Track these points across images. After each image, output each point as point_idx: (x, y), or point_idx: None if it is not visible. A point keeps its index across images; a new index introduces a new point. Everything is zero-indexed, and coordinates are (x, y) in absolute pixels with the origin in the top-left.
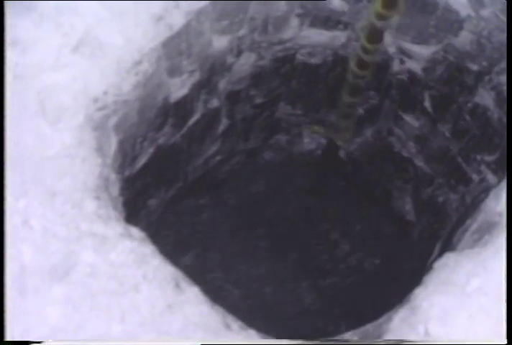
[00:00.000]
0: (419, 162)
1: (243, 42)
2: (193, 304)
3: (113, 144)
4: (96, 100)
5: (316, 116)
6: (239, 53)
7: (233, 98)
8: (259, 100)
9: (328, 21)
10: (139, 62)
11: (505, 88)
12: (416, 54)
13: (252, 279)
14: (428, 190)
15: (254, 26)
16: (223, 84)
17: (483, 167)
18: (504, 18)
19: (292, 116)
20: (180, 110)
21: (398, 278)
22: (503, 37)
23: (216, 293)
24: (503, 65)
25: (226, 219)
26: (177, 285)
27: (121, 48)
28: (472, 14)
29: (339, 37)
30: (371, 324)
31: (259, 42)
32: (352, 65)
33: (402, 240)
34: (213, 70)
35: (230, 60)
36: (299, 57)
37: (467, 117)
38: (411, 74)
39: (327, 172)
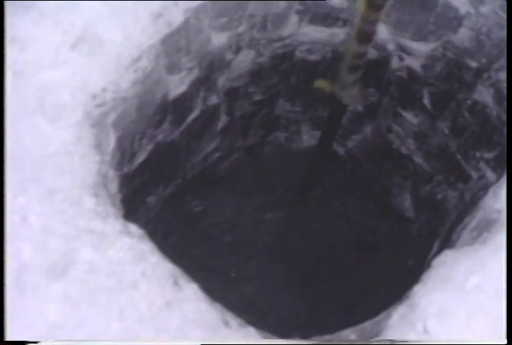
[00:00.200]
0: (418, 159)
1: (242, 39)
2: (192, 301)
3: (111, 141)
4: (94, 97)
5: (314, 112)
6: (238, 50)
7: (232, 95)
8: (258, 97)
9: (328, 18)
10: (138, 59)
11: (504, 85)
12: (415, 51)
13: (251, 277)
14: (427, 187)
15: (253, 23)
16: (222, 81)
17: (482, 164)
18: (503, 15)
19: (291, 113)
20: (178, 107)
21: (396, 275)
22: (502, 33)
23: (213, 291)
24: (502, 61)
25: (225, 216)
26: (175, 282)
27: (120, 45)
28: (471, 10)
29: (338, 33)
30: (370, 321)
31: (258, 38)
32: (362, 7)
33: (401, 237)
34: (212, 67)
35: (229, 56)
36: (298, 54)
37: (466, 114)
38: (410, 71)
39: (326, 168)
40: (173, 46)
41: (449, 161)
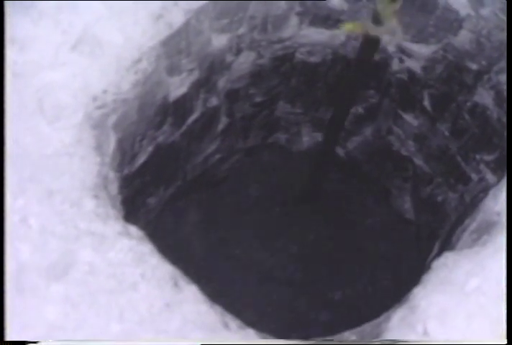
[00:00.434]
0: (418, 161)
1: (242, 41)
2: (192, 303)
3: (112, 142)
4: (95, 98)
5: (315, 114)
6: (238, 52)
7: (232, 96)
8: (258, 99)
9: (328, 19)
10: (138, 61)
11: (504, 87)
12: (415, 53)
13: (251, 277)
14: (428, 189)
15: (253, 25)
16: (222, 83)
17: (482, 167)
18: (503, 17)
19: (291, 115)
20: (179, 108)
21: (396, 277)
22: (503, 36)
23: (214, 292)
24: (503, 64)
25: (225, 217)
26: (175, 284)
27: (120, 46)
28: (472, 13)
29: (339, 35)
30: (369, 323)
31: (258, 40)
32: None
33: (401, 239)
34: (213, 68)
35: (229, 58)
36: (298, 55)
37: (466, 116)
38: (411, 73)
39: (326, 170)
40: (174, 47)
41: (449, 163)
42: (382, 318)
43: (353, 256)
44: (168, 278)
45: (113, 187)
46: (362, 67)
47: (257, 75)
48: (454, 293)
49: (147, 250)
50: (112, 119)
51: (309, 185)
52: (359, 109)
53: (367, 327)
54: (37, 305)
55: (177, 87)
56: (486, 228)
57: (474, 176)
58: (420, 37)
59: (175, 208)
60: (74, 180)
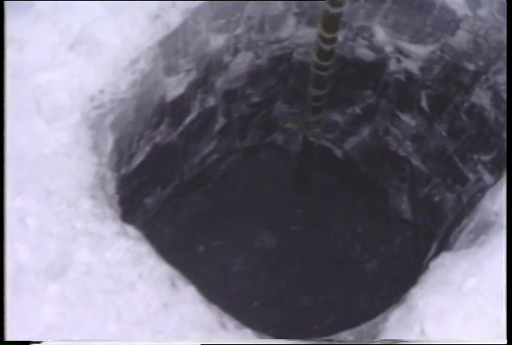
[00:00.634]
0: (416, 161)
1: (240, 41)
2: (189, 303)
3: (109, 142)
4: (92, 98)
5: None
6: (235, 52)
7: (229, 96)
8: (255, 99)
9: None
10: (135, 61)
11: (501, 87)
12: (412, 54)
13: (248, 277)
14: (425, 190)
15: (251, 25)
16: (219, 83)
17: (480, 167)
18: (501, 17)
19: (289, 115)
20: (176, 109)
21: (393, 277)
22: (500, 36)
23: (210, 292)
24: (500, 64)
25: (222, 217)
26: (173, 284)
27: (117, 47)
28: (469, 13)
29: (336, 36)
30: (367, 323)
31: (256, 40)
32: (313, 56)
33: (398, 239)
34: (210, 68)
35: (227, 58)
36: (296, 56)
37: (464, 117)
38: (408, 73)
39: (324, 171)
40: (171, 48)
41: (446, 163)
42: (379, 318)
43: (350, 256)
44: (166, 278)
45: (111, 187)
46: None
47: (254, 76)
48: (451, 293)
49: (144, 250)
50: (109, 119)
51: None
52: (357, 109)
53: (364, 327)
54: (35, 305)
55: (175, 87)
56: (483, 229)
57: (471, 176)
58: (417, 38)
59: (172, 207)
60: (71, 180)
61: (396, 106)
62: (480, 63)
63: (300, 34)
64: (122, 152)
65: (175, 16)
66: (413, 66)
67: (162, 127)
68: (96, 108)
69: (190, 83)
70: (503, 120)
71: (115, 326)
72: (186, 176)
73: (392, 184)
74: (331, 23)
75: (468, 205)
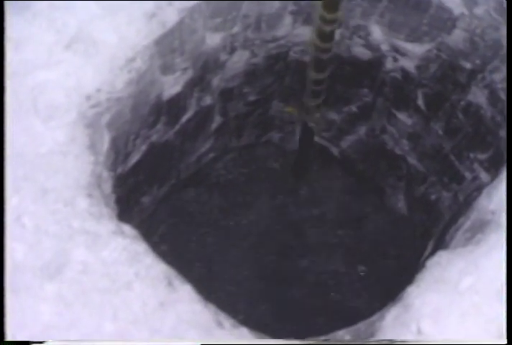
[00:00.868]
0: (412, 160)
1: (236, 40)
2: (186, 302)
3: (106, 141)
4: (88, 97)
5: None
6: (232, 50)
7: (226, 95)
8: (252, 98)
9: None
10: (132, 60)
11: (498, 86)
12: (409, 52)
13: (245, 276)
14: (421, 188)
15: (247, 24)
16: (216, 81)
17: (476, 165)
18: (497, 16)
19: (285, 114)
20: (173, 107)
21: (390, 276)
22: (496, 35)
23: (207, 291)
24: (496, 63)
25: (219, 216)
26: (169, 283)
27: (114, 45)
28: (466, 12)
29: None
30: (363, 322)
31: (252, 39)
32: (314, 38)
33: (395, 237)
34: (207, 67)
35: (223, 57)
36: (292, 54)
37: (460, 115)
38: (404, 72)
39: (320, 169)
40: (167, 46)
41: (442, 162)
42: (376, 317)
43: (347, 254)
44: (162, 277)
45: (107, 186)
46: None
47: (250, 74)
48: (447, 292)
49: (140, 249)
50: (106, 118)
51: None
52: (353, 108)
53: (361, 326)
54: (31, 305)
55: (171, 86)
56: (480, 227)
57: (467, 175)
58: (414, 36)
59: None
60: (68, 179)
61: (393, 104)
62: (477, 62)
63: (296, 33)
64: (118, 151)
65: (171, 15)
66: (409, 65)
67: (159, 126)
68: (93, 107)
69: (186, 82)
70: (500, 118)
71: (112, 325)
72: (183, 175)
73: (388, 182)
74: (333, 2)
75: (464, 204)
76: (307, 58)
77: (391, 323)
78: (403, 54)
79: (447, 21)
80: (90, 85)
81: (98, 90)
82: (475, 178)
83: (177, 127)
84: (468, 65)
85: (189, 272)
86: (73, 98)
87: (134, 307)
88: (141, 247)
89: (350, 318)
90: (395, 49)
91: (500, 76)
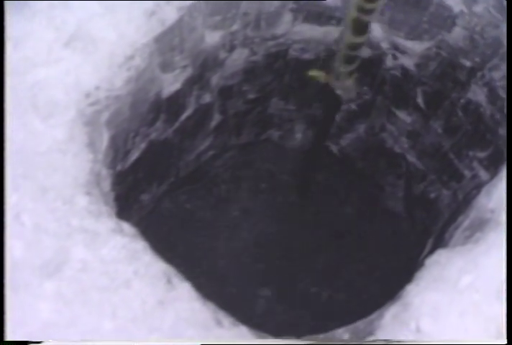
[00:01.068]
0: (411, 158)
1: (236, 38)
2: (185, 300)
3: (104, 139)
4: (87, 95)
5: (308, 111)
6: (231, 48)
7: (225, 93)
8: (251, 96)
9: (322, 16)
10: (131, 58)
11: (497, 84)
12: (408, 50)
13: (244, 275)
14: (421, 186)
15: (246, 22)
16: (215, 79)
17: (475, 164)
18: (496, 14)
19: (285, 112)
20: (172, 105)
21: (389, 274)
22: (496, 32)
23: (206, 291)
24: (496, 61)
25: (218, 214)
26: (168, 281)
27: (113, 43)
28: (465, 10)
29: (332, 32)
30: (362, 321)
31: (252, 37)
32: None
33: (393, 236)
34: (206, 65)
35: (223, 55)
36: (292, 52)
37: (460, 113)
38: (404, 70)
39: (319, 167)
40: (167, 44)
41: (442, 160)
42: (374, 315)
43: (345, 254)
44: (161, 275)
45: (106, 184)
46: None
47: (250, 72)
48: (447, 290)
49: (140, 247)
50: (105, 116)
51: (301, 181)
52: (352, 106)
53: (360, 324)
54: (30, 303)
55: (171, 84)
56: (479, 226)
57: (467, 173)
58: (413, 34)
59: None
60: (67, 177)
61: (392, 102)
62: (476, 60)
63: (296, 31)
64: (118, 149)
65: (170, 13)
66: (409, 62)
67: (158, 124)
68: (92, 104)
69: (185, 80)
70: (499, 116)
71: (111, 323)
72: (182, 173)
73: (387, 180)
74: None
75: (464, 202)
76: (307, 56)
77: (390, 321)
78: (403, 52)
79: (447, 19)
80: (89, 83)
81: (97, 88)
82: (474, 176)
83: (176, 125)
84: (468, 63)
85: (188, 270)
86: (72, 95)
87: (133, 305)
88: (140, 245)
89: (349, 316)
90: (395, 47)
91: (499, 74)
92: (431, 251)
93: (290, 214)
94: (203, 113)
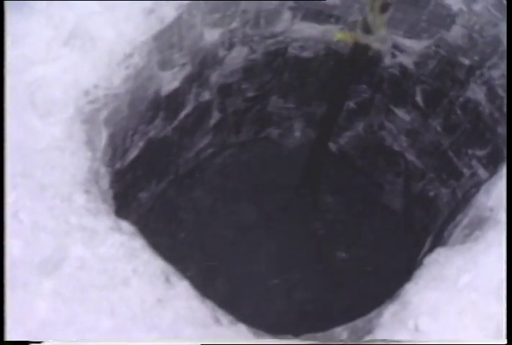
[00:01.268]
0: (410, 156)
1: (235, 36)
2: (183, 298)
3: (103, 137)
4: (86, 93)
5: (307, 109)
6: (230, 46)
7: (224, 91)
8: (250, 94)
9: (320, 14)
10: (130, 56)
11: (496, 82)
12: (407, 49)
13: (243, 271)
14: (420, 184)
15: (246, 20)
16: (214, 77)
17: (474, 162)
18: (495, 12)
19: (283, 110)
20: (171, 103)
21: (388, 273)
22: (495, 31)
23: (205, 286)
24: (495, 59)
25: (217, 212)
26: (167, 279)
27: (112, 41)
28: (464, 8)
29: (331, 30)
30: (361, 319)
31: (251, 35)
32: None
33: (392, 234)
34: (205, 63)
35: (222, 53)
36: (291, 50)
37: (459, 111)
38: (403, 68)
39: (318, 165)
40: (166, 42)
41: (441, 158)
42: (373, 314)
43: (344, 251)
44: (160, 273)
45: (105, 182)
46: (354, 64)
47: (249, 70)
48: (446, 289)
49: (138, 245)
50: (103, 114)
51: (301, 180)
52: (351, 104)
53: (358, 323)
54: (28, 301)
55: (170, 81)
56: (478, 224)
57: (466, 171)
58: (412, 32)
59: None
60: (65, 175)
61: (391, 100)
62: (475, 58)
63: (295, 29)
64: (116, 147)
65: (169, 11)
66: (408, 61)
67: (157, 122)
68: (90, 102)
69: (184, 78)
70: (498, 115)
71: (109, 322)
72: (181, 170)
73: (386, 179)
74: None
75: (463, 201)
76: (306, 54)
77: (389, 320)
78: (402, 50)
79: (446, 18)
80: (87, 81)
81: (96, 86)
82: (473, 175)
83: (175, 123)
84: (467, 62)
85: (187, 268)
86: (71, 93)
87: (132, 303)
88: (138, 243)
89: (348, 314)
90: (394, 46)
91: (498, 72)
92: (430, 250)
93: (290, 213)
94: (202, 111)
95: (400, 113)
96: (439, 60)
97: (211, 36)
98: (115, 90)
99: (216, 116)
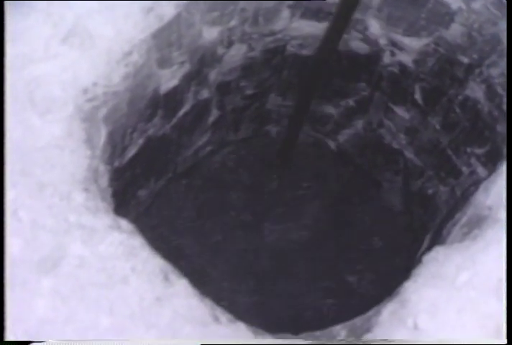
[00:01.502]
0: (409, 154)
1: (234, 33)
2: (182, 297)
3: (102, 135)
4: (85, 91)
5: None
6: (229, 44)
7: (223, 89)
8: (249, 92)
9: (319, 12)
10: (129, 54)
11: (495, 80)
12: (406, 47)
13: (241, 269)
14: (418, 182)
15: (244, 18)
16: (213, 75)
17: (473, 160)
18: (495, 11)
19: (282, 108)
20: (170, 101)
21: (386, 271)
22: (494, 29)
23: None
24: (494, 57)
25: (216, 210)
26: (166, 278)
27: (111, 39)
28: (463, 6)
29: None
30: (360, 317)
31: (249, 33)
32: None
33: (391, 232)
34: (204, 61)
35: (220, 51)
36: (290, 48)
37: (458, 110)
38: (402, 66)
39: (317, 163)
40: (164, 40)
41: (440, 156)
42: (372, 312)
43: (343, 249)
44: (159, 272)
45: (104, 180)
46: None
47: (248, 68)
48: (444, 287)
49: (137, 243)
50: (102, 112)
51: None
52: (350, 102)
53: (357, 321)
54: (27, 299)
55: (168, 79)
56: (477, 222)
57: (465, 169)
58: (411, 31)
59: (165, 200)
60: (64, 173)
61: (390, 98)
62: (474, 56)
63: (294, 27)
64: (115, 145)
65: (168, 9)
66: (407, 59)
67: (156, 120)
68: (89, 100)
69: (183, 76)
70: (497, 113)
71: (108, 320)
72: (180, 168)
73: (385, 177)
74: None
75: (461, 199)
76: (305, 52)
77: (388, 318)
78: (401, 48)
79: (445, 16)
80: (86, 79)
81: (95, 84)
82: (472, 173)
83: (174, 121)
84: (466, 60)
85: (186, 266)
86: (70, 91)
87: (131, 301)
88: (137, 241)
89: (346, 313)
90: (393, 44)
91: (497, 71)
92: (429, 248)
93: (290, 213)
94: (201, 108)
95: (399, 111)
96: (438, 58)
97: (210, 34)
98: (114, 88)
99: (214, 113)
